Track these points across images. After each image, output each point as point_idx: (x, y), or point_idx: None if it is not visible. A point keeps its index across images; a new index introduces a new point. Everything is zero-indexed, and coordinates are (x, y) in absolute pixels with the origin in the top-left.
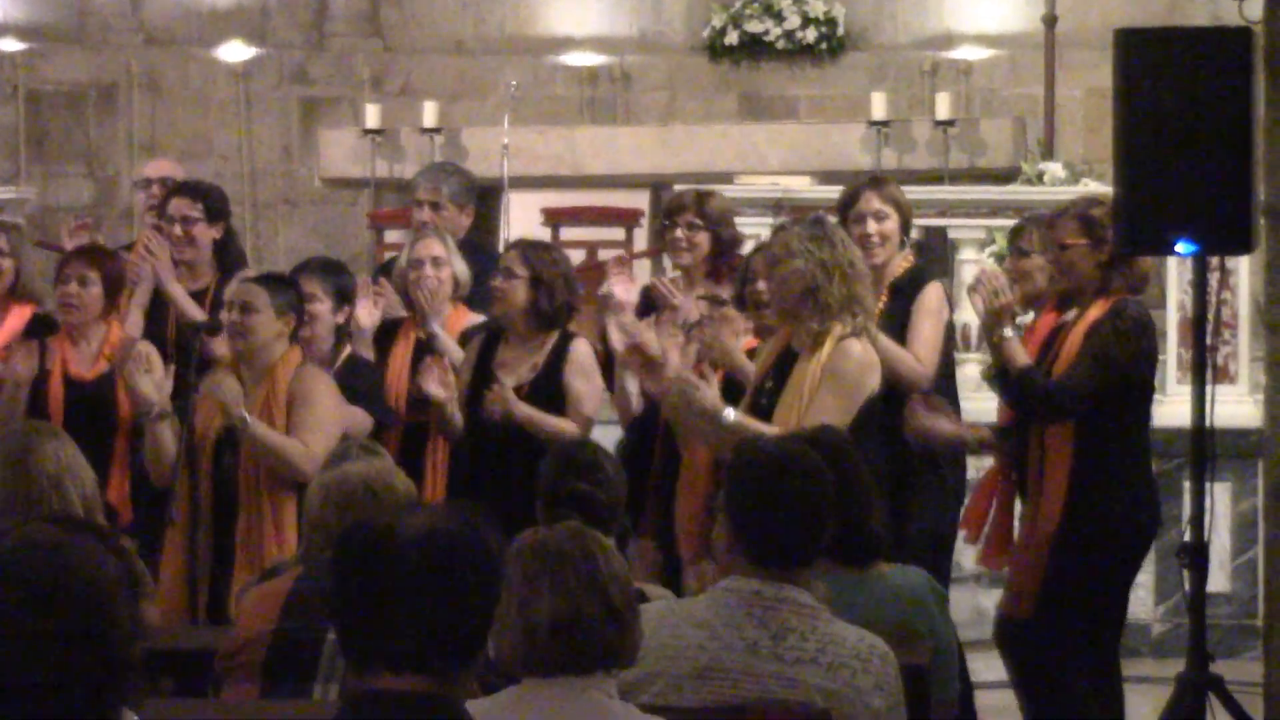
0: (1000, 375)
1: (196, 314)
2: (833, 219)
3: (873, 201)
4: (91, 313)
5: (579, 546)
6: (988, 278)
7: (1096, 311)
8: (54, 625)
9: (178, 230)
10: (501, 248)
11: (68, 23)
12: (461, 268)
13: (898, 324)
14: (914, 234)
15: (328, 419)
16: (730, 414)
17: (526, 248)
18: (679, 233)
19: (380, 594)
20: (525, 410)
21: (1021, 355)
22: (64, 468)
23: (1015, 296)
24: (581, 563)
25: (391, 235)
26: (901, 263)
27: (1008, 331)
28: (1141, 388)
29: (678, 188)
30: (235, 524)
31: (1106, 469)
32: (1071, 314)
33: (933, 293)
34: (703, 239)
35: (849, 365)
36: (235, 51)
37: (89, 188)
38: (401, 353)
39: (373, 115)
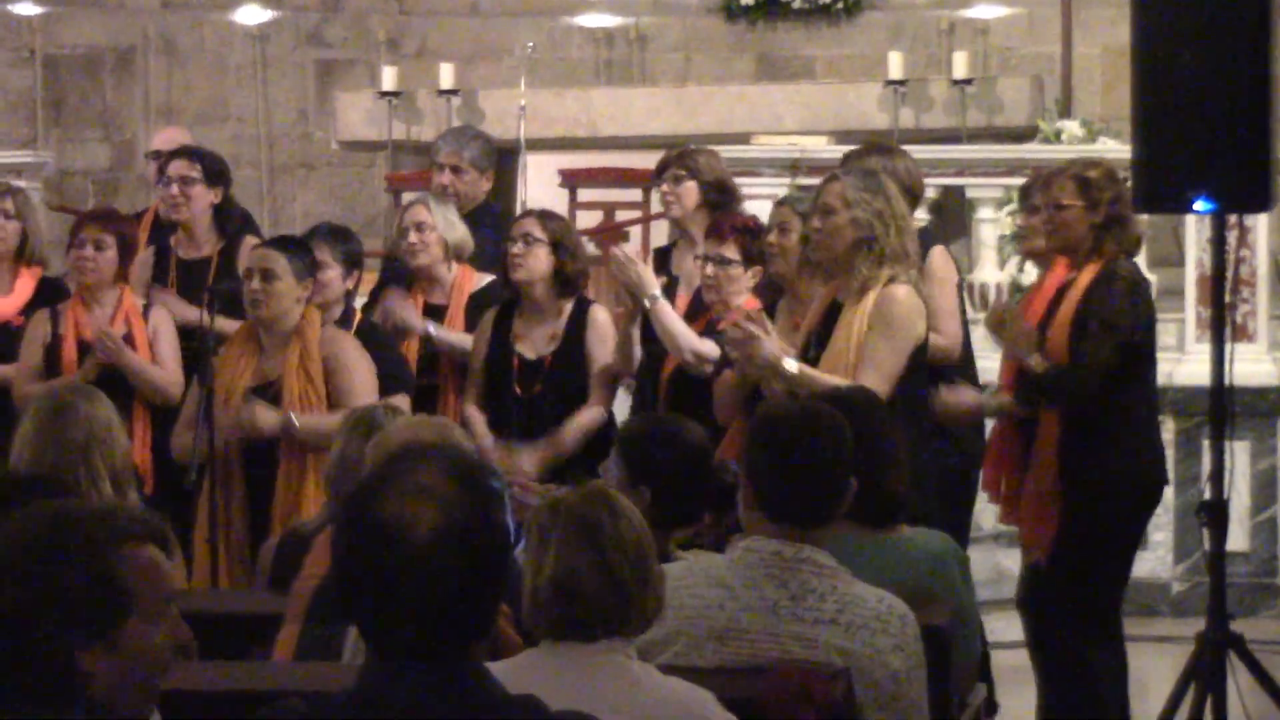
0: (1021, 382)
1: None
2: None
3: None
4: (106, 276)
5: (589, 510)
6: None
7: (1089, 275)
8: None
9: (175, 190)
10: (519, 209)
11: None
12: (457, 233)
13: None
14: (929, 194)
15: (366, 383)
16: (792, 365)
17: (541, 214)
18: (665, 187)
19: (390, 587)
20: (537, 456)
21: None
22: (94, 438)
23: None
24: (587, 527)
25: (409, 198)
26: None
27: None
28: (1139, 348)
29: None
30: (269, 488)
31: (1100, 431)
32: (1062, 275)
33: (938, 259)
34: (688, 189)
35: (898, 309)
36: (251, 14)
37: (106, 152)
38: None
39: (389, 78)
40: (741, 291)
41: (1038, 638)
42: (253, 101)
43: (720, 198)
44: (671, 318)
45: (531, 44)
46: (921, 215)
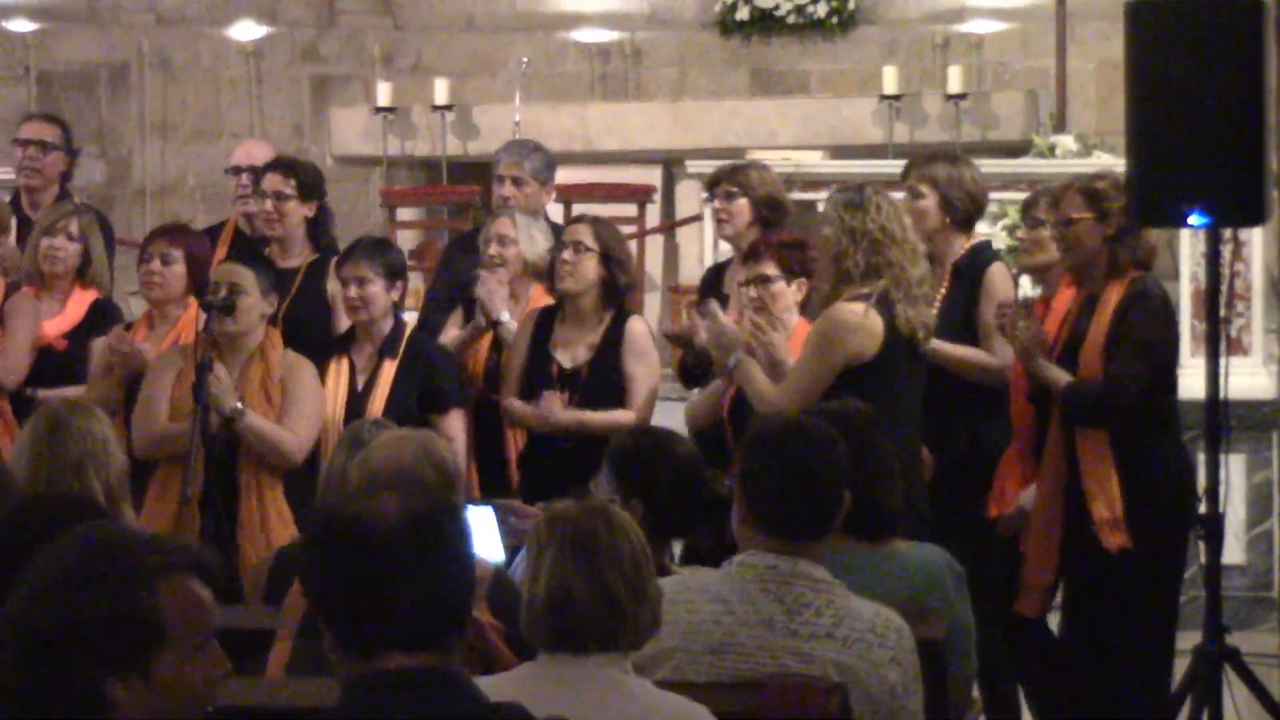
0: (1041, 393)
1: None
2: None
3: (908, 179)
4: (174, 291)
5: (585, 523)
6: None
7: (1115, 294)
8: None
9: (269, 205)
10: None
11: (78, 3)
12: (539, 249)
13: (959, 306)
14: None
15: (315, 408)
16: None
17: (594, 223)
18: (717, 203)
19: (363, 582)
20: (570, 417)
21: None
22: (87, 452)
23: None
24: (582, 541)
25: (404, 213)
26: (964, 243)
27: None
28: (1171, 366)
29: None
30: (234, 506)
31: (1150, 455)
32: (1070, 294)
33: (996, 276)
34: (740, 206)
35: (826, 326)
36: (246, 30)
37: (101, 168)
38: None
39: (384, 93)
40: (790, 307)
41: (1034, 678)
42: (248, 117)
43: (773, 214)
44: (758, 377)
45: (526, 59)
46: (984, 228)
